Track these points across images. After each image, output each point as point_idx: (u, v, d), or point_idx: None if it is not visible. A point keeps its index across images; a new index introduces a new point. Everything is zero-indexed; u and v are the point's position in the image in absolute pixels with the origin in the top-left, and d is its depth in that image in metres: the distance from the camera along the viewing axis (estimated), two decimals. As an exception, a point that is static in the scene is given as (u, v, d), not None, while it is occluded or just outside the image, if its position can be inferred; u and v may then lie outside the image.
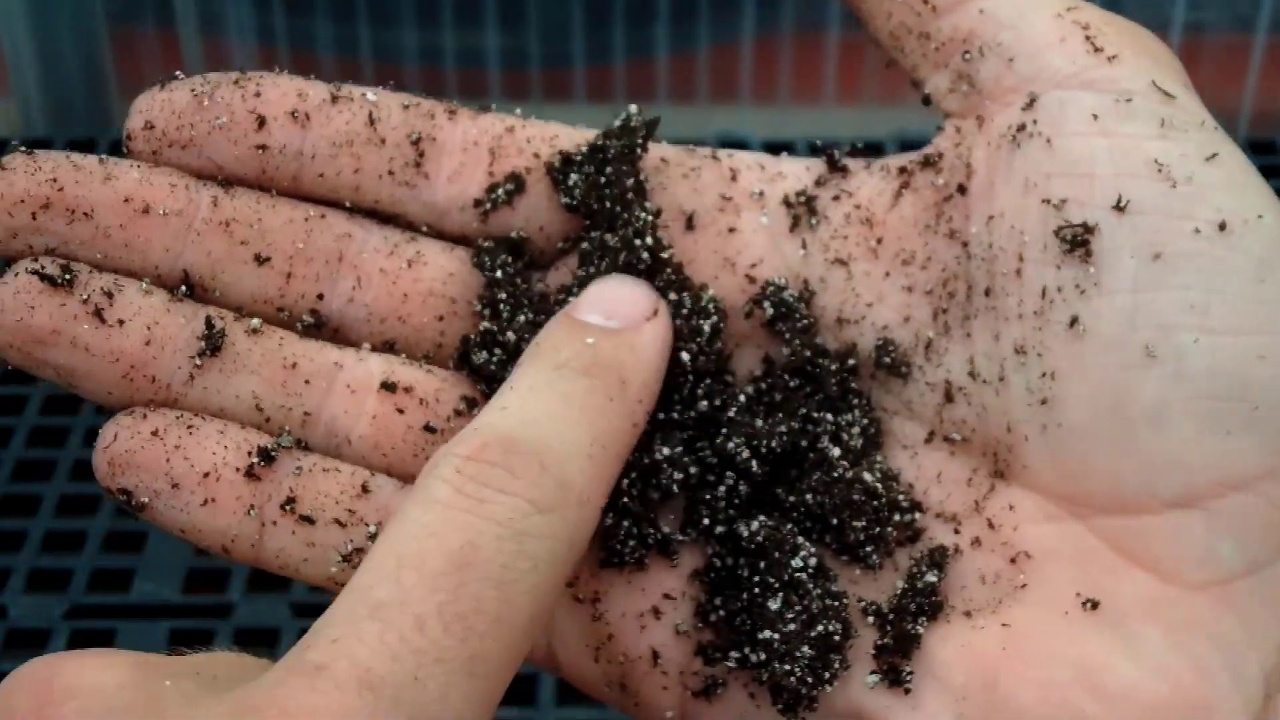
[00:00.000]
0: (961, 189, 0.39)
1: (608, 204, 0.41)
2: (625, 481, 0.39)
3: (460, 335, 0.41)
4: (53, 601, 0.72)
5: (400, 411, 0.40)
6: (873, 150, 0.98)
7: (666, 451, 0.39)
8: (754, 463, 0.40)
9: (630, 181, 0.41)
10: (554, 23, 0.96)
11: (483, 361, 0.40)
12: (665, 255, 0.41)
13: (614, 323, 0.39)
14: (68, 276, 0.37)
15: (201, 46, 0.97)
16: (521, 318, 0.41)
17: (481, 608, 0.31)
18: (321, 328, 0.41)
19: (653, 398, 0.39)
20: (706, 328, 0.40)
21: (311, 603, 0.72)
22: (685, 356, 0.40)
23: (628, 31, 0.97)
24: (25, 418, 0.80)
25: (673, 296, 0.41)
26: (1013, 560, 0.38)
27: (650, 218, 0.41)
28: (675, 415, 0.40)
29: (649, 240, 0.41)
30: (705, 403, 0.40)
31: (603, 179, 0.41)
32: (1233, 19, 0.95)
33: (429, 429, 0.40)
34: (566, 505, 0.34)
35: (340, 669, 0.30)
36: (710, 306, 0.41)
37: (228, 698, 0.30)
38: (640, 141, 0.42)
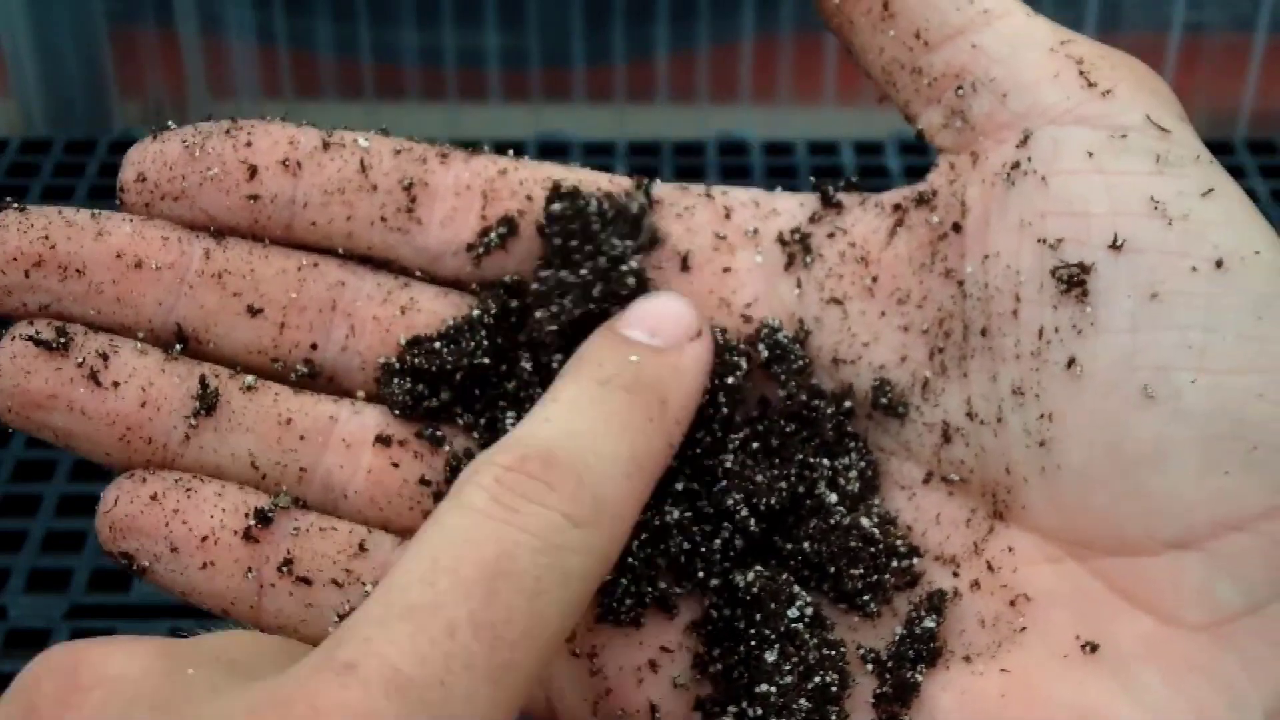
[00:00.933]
0: (956, 227, 0.39)
1: (591, 228, 0.41)
2: (633, 541, 0.38)
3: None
4: (53, 601, 0.72)
5: (395, 465, 0.40)
6: (872, 151, 0.98)
7: (676, 515, 0.39)
8: (751, 520, 0.39)
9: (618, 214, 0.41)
10: (554, 23, 0.96)
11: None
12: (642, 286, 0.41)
13: (658, 340, 0.38)
14: (63, 340, 0.38)
15: (201, 46, 0.97)
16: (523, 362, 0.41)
17: (512, 618, 0.31)
18: (316, 377, 0.41)
19: (689, 419, 0.38)
20: (744, 364, 0.40)
21: (311, 603, 0.72)
22: (706, 397, 0.40)
23: (628, 31, 0.97)
24: (25, 418, 0.80)
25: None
26: (1012, 603, 0.37)
27: (628, 244, 0.41)
28: (675, 460, 0.39)
29: (632, 265, 0.41)
30: (701, 447, 0.40)
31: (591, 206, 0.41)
32: (1233, 19, 0.95)
33: (424, 482, 0.40)
34: (601, 522, 0.34)
35: (370, 668, 0.30)
36: (741, 345, 0.40)
37: (255, 688, 0.30)
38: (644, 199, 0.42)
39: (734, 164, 0.93)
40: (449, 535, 0.32)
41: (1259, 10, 0.94)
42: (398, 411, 0.40)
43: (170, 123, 0.41)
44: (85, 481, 0.77)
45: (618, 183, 0.43)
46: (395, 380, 0.40)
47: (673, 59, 0.98)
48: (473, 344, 0.40)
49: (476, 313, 0.41)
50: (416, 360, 0.40)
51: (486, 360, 0.40)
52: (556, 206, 0.41)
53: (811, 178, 0.43)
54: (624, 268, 0.41)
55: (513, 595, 0.32)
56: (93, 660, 0.31)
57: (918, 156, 0.93)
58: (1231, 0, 0.94)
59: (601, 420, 0.36)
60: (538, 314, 0.40)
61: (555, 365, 0.40)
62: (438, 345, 0.40)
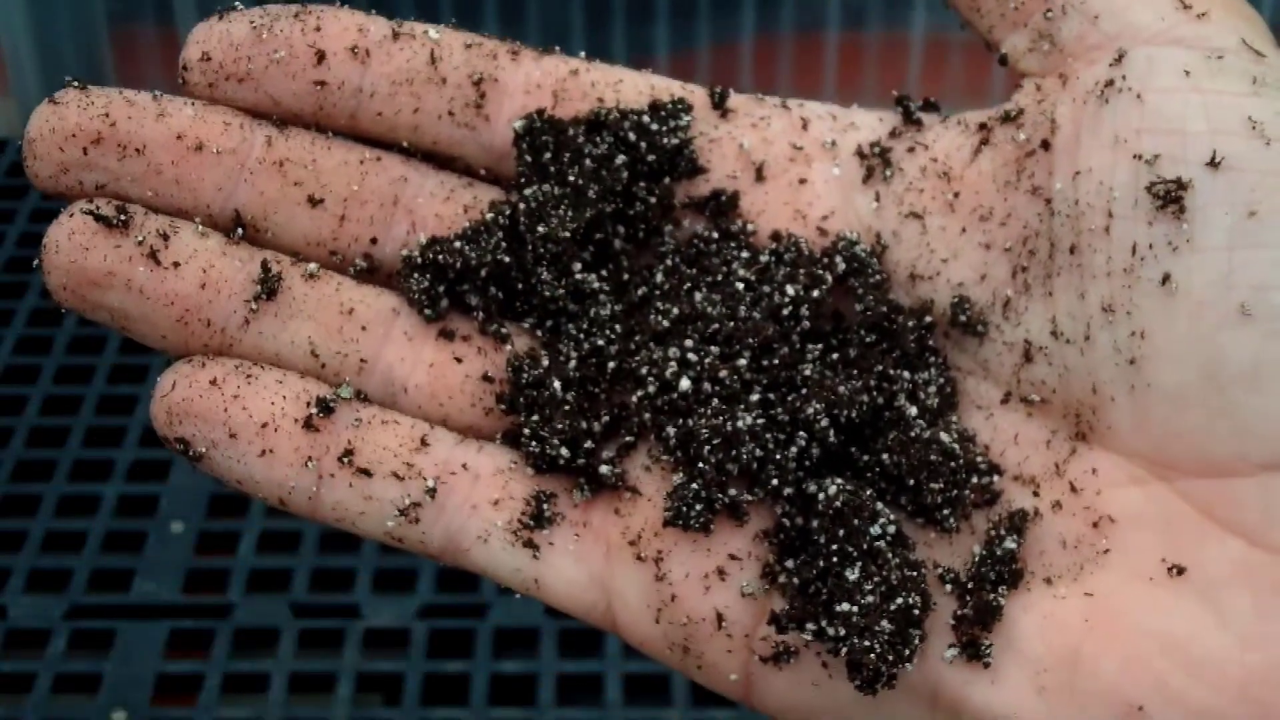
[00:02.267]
0: (1045, 145, 0.39)
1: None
2: (704, 445, 0.38)
3: None
4: (53, 601, 0.72)
5: (458, 360, 0.39)
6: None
7: (749, 420, 0.38)
8: (831, 431, 0.38)
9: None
10: (554, 23, 0.96)
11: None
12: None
13: None
14: (123, 217, 0.37)
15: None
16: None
17: None
18: (374, 273, 0.40)
19: None
20: (828, 277, 0.39)
21: (311, 603, 0.72)
22: (789, 308, 0.39)
23: (628, 31, 0.97)
24: (25, 418, 0.80)
25: (773, 245, 0.40)
26: (1095, 525, 0.37)
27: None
28: (749, 370, 0.39)
29: (620, 160, 0.40)
30: (779, 359, 0.39)
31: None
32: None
33: (487, 378, 0.39)
34: None
35: None
36: (827, 259, 0.40)
37: None
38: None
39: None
40: None
41: (1258, 11, 0.94)
42: (414, 308, 0.40)
43: (237, 2, 0.40)
44: (86, 481, 0.77)
45: (690, 90, 0.42)
46: (414, 275, 0.40)
47: (673, 59, 0.98)
48: (491, 243, 0.40)
49: (491, 215, 0.40)
50: (438, 256, 0.40)
51: (506, 259, 0.40)
52: (520, 124, 0.41)
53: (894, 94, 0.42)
54: (616, 163, 0.40)
55: None
56: None
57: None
58: None
59: None
60: (540, 228, 0.40)
61: (577, 272, 0.40)
62: (457, 244, 0.40)
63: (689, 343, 0.39)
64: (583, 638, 0.70)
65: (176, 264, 0.37)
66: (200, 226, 0.38)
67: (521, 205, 0.40)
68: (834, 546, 0.37)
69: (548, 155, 0.40)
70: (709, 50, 0.97)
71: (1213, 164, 0.35)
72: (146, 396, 0.81)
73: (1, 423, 0.80)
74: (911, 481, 0.38)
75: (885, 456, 0.38)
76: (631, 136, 0.41)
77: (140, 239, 0.37)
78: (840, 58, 0.98)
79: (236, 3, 0.39)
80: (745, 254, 0.40)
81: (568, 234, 0.40)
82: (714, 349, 0.39)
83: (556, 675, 0.69)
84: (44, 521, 0.75)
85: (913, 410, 0.39)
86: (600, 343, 0.39)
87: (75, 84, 0.38)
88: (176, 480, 0.77)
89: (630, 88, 0.42)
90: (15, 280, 0.88)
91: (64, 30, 0.96)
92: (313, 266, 0.39)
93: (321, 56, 0.39)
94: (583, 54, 0.42)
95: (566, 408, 0.38)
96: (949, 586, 0.37)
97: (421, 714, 0.68)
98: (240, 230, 0.38)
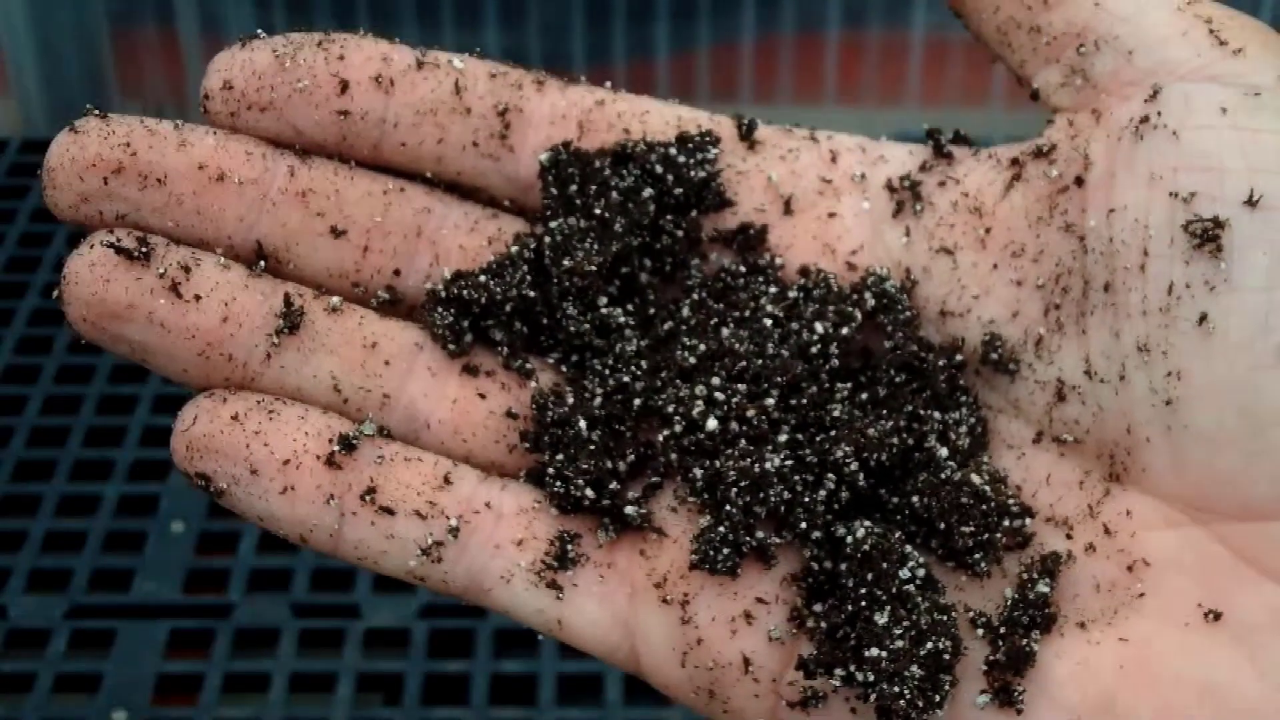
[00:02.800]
0: (1079, 181, 0.38)
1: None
2: (732, 487, 0.37)
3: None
4: (53, 601, 0.72)
5: (482, 396, 0.39)
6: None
7: (777, 462, 0.38)
8: (860, 474, 0.38)
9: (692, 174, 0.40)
10: (554, 23, 0.96)
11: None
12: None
13: None
14: (144, 249, 0.36)
15: (201, 46, 0.97)
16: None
17: None
18: (397, 305, 0.40)
19: None
20: (858, 315, 0.39)
21: (311, 603, 0.72)
22: (817, 345, 0.39)
23: (628, 31, 0.97)
24: (25, 418, 0.80)
25: (801, 280, 0.40)
26: (1130, 568, 0.36)
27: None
28: (777, 409, 0.38)
29: (647, 193, 0.40)
30: (807, 397, 0.39)
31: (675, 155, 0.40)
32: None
33: (511, 415, 0.39)
34: None
35: None
36: (856, 295, 0.39)
37: None
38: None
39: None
40: None
41: (1259, 12, 0.94)
42: (438, 343, 0.39)
43: (259, 31, 0.39)
44: (86, 481, 0.77)
45: (717, 121, 0.42)
46: (439, 310, 0.39)
47: (673, 59, 0.98)
48: (516, 277, 0.39)
49: (516, 249, 0.40)
50: (462, 291, 0.39)
51: (530, 293, 0.39)
52: (546, 156, 0.40)
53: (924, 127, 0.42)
54: (642, 196, 0.40)
55: None
56: None
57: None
58: (1230, 1, 0.94)
59: None
60: (566, 262, 0.39)
61: (603, 307, 0.40)
62: (482, 279, 0.39)
63: (716, 380, 0.38)
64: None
65: (198, 297, 0.37)
66: (222, 258, 0.38)
67: (547, 239, 0.40)
68: (863, 590, 0.36)
69: (573, 188, 0.40)
70: (709, 50, 0.97)
71: (1250, 202, 0.35)
72: (147, 396, 0.81)
73: (1, 423, 0.80)
74: (942, 525, 0.38)
75: (915, 499, 0.38)
76: (658, 169, 0.40)
77: (162, 271, 0.37)
78: (840, 58, 0.98)
79: (259, 30, 0.39)
80: (773, 289, 0.40)
81: (593, 268, 0.39)
82: (741, 387, 0.38)
83: (556, 675, 0.69)
84: (44, 521, 0.75)
85: (943, 451, 0.38)
86: (626, 379, 0.39)
87: (96, 112, 0.37)
88: (176, 480, 0.77)
89: (657, 118, 0.41)
90: (15, 280, 0.88)
91: (64, 30, 0.96)
92: (335, 300, 0.38)
93: (345, 86, 0.39)
94: (608, 84, 0.42)
95: (592, 447, 0.38)
96: (980, 631, 0.36)
97: (421, 714, 0.68)
98: (262, 262, 0.38)
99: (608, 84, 0.42)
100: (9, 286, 0.87)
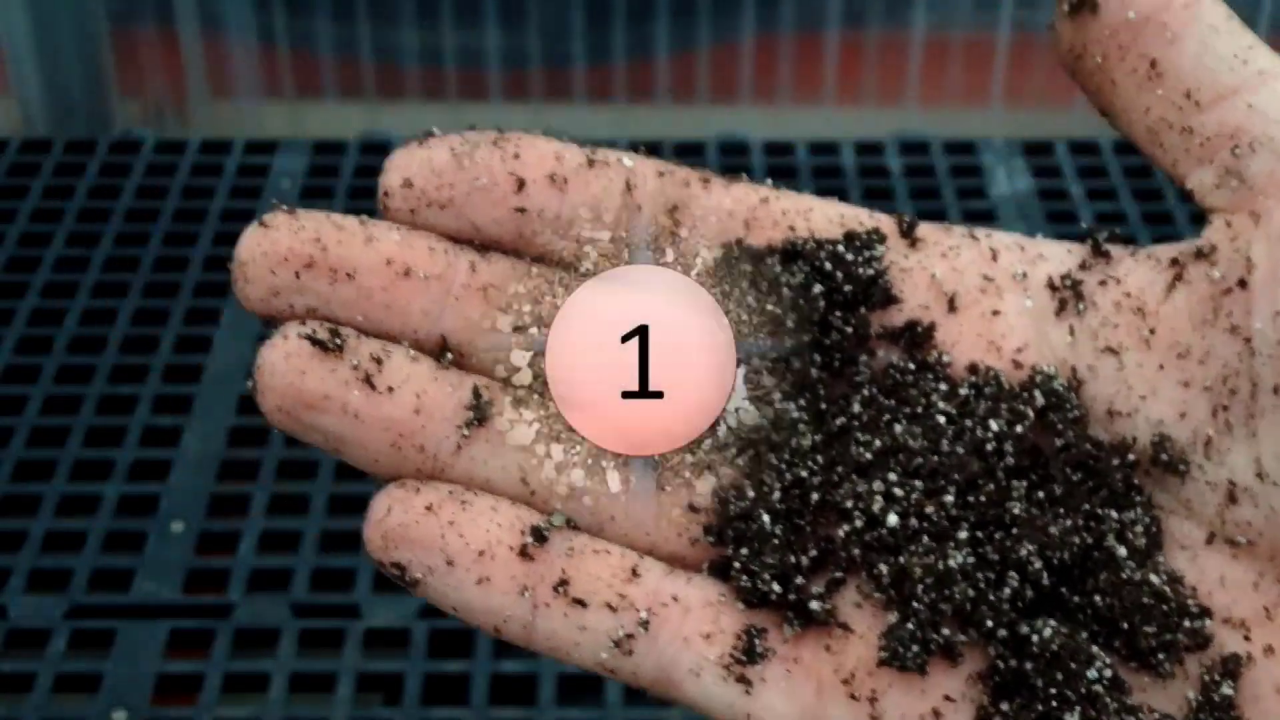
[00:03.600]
0: (1242, 283, 0.38)
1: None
2: (918, 584, 0.38)
3: None
4: (53, 601, 0.72)
5: (663, 489, 0.39)
6: (872, 151, 0.98)
7: (960, 559, 0.38)
8: (1044, 572, 0.38)
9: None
10: (554, 23, 0.96)
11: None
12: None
13: None
14: (338, 341, 0.37)
15: (201, 46, 0.97)
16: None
17: None
18: None
19: None
20: (1030, 413, 0.39)
21: (311, 603, 0.72)
22: (992, 443, 0.39)
23: (628, 31, 0.97)
24: (25, 418, 0.80)
25: (971, 378, 0.40)
26: None
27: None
28: (955, 506, 0.39)
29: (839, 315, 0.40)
30: (985, 495, 0.39)
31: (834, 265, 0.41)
32: (1233, 19, 0.95)
33: (693, 509, 0.39)
34: None
35: None
36: (1026, 393, 0.40)
37: None
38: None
39: (734, 164, 0.93)
40: None
41: (1259, 12, 0.94)
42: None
43: (434, 129, 0.40)
44: (86, 481, 0.77)
45: (877, 218, 0.42)
46: None
47: (673, 59, 0.98)
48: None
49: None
50: None
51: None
52: (719, 253, 0.41)
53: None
54: (813, 292, 0.40)
55: None
56: None
57: (918, 156, 0.93)
58: (1230, 1, 0.94)
59: None
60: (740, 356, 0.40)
61: (777, 402, 0.40)
62: None
63: (893, 476, 0.39)
64: (583, 638, 0.70)
65: (391, 389, 0.37)
66: (411, 350, 0.38)
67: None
68: (1053, 690, 0.36)
69: (745, 284, 0.41)
70: (709, 50, 0.97)
71: None
72: (147, 397, 0.81)
73: (1, 423, 0.80)
74: (1125, 624, 0.38)
75: (1097, 598, 0.38)
76: (828, 266, 0.41)
77: (355, 363, 0.37)
78: (840, 58, 0.98)
79: (434, 129, 0.40)
80: (944, 386, 0.40)
81: (768, 364, 0.40)
82: (918, 484, 0.39)
83: (556, 675, 0.69)
84: (44, 521, 0.75)
85: (1122, 550, 0.38)
86: (803, 474, 0.39)
87: (283, 208, 0.38)
88: (176, 480, 0.77)
89: (820, 216, 0.42)
90: (15, 280, 0.88)
91: (64, 30, 0.96)
92: (520, 392, 0.39)
93: (521, 184, 0.39)
94: (769, 181, 0.42)
95: (776, 541, 0.38)
96: None
97: (422, 714, 0.68)
98: (449, 355, 0.39)
99: (768, 181, 0.42)
100: (9, 286, 0.87)
